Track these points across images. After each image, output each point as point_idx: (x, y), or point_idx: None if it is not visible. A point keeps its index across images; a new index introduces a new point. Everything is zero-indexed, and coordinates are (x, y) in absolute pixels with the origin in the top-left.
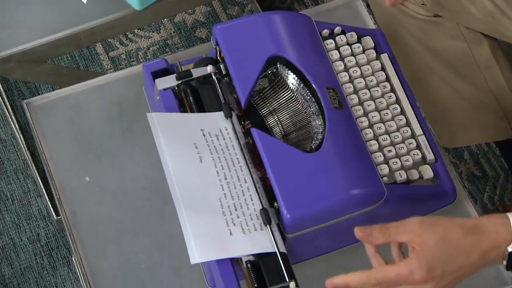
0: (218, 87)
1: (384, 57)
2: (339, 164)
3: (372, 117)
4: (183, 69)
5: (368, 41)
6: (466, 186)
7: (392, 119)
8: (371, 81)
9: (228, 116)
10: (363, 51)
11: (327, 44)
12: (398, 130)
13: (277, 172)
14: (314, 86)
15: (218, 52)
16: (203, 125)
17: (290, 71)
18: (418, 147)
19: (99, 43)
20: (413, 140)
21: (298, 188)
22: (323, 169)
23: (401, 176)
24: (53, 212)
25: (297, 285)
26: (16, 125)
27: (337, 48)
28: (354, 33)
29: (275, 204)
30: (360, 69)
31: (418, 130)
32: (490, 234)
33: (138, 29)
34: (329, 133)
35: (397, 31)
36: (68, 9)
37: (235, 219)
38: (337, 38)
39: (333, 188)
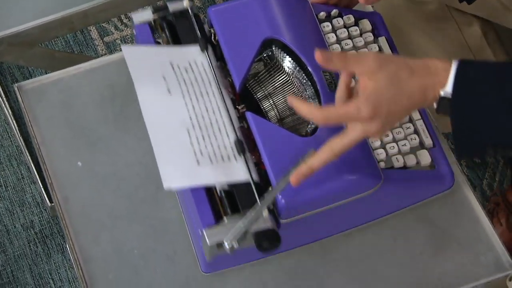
0: (194, 22)
1: (382, 40)
2: None
3: None
4: None
5: (366, 24)
6: (465, 173)
7: None
8: None
9: (204, 48)
10: (361, 34)
11: (324, 27)
12: None
13: (272, 156)
14: (310, 69)
15: (212, 35)
16: (173, 58)
17: (285, 54)
18: (416, 132)
19: (94, 28)
20: (410, 125)
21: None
22: None
23: (398, 161)
24: (47, 199)
25: (270, 210)
26: (9, 110)
27: (334, 31)
28: (351, 16)
29: (270, 188)
30: (357, 52)
31: (416, 114)
32: (432, 76)
33: None
34: None
35: (392, 14)
36: None
37: (203, 149)
38: (334, 20)
39: (328, 173)
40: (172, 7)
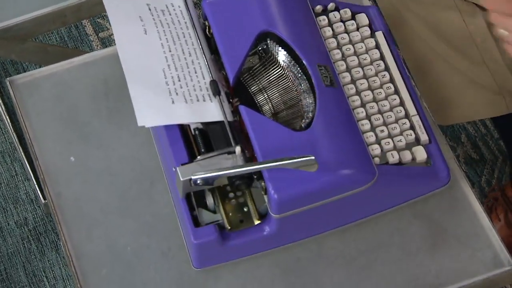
0: None
1: (379, 35)
2: (329, 144)
3: (365, 96)
4: None
5: (363, 18)
6: (464, 170)
7: (386, 98)
8: (364, 59)
9: None
10: (357, 29)
11: (320, 21)
12: (391, 109)
13: (265, 150)
14: (305, 63)
15: (207, 28)
16: (150, 0)
17: (280, 47)
18: (412, 127)
19: (89, 23)
20: (406, 120)
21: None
22: (313, 148)
23: (393, 156)
24: (40, 196)
25: (242, 150)
26: (3, 106)
27: (330, 25)
28: (348, 10)
29: (263, 183)
30: (353, 46)
31: (412, 110)
32: None
33: None
34: (320, 112)
35: (393, 4)
36: None
37: (178, 89)
38: (331, 14)
39: (322, 168)
40: None
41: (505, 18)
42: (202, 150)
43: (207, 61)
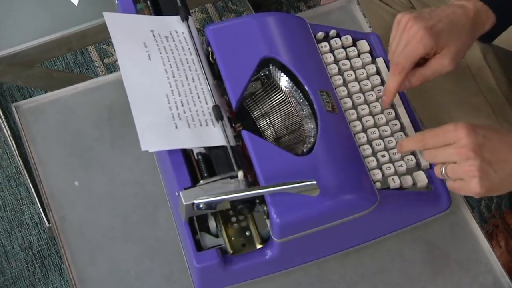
0: None
1: (379, 61)
2: (331, 168)
3: (366, 121)
4: None
5: (364, 44)
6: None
7: (387, 123)
8: (365, 85)
9: (185, 19)
10: (358, 55)
11: (322, 47)
12: (392, 135)
13: (267, 175)
14: (307, 89)
15: (210, 54)
16: (154, 27)
17: (283, 73)
18: (413, 152)
19: (94, 49)
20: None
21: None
22: (315, 173)
23: (394, 181)
24: (45, 219)
25: (245, 174)
26: (8, 131)
27: (332, 51)
28: (349, 36)
29: (265, 207)
30: (354, 72)
31: (413, 135)
32: None
33: None
34: (321, 137)
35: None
36: (59, 11)
37: (181, 114)
38: (332, 41)
39: (324, 193)
40: None
41: (433, 152)
42: (205, 175)
43: (210, 87)
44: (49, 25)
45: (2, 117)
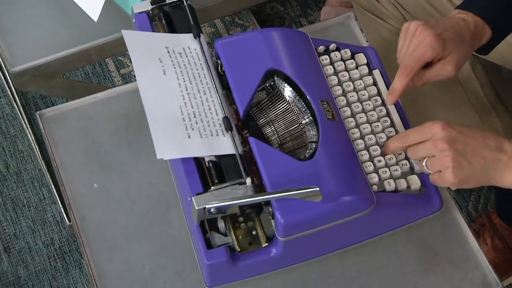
0: (188, 12)
1: (376, 73)
2: (331, 172)
3: (364, 128)
4: None
5: (361, 57)
6: (452, 195)
7: (383, 131)
8: (363, 95)
9: (197, 36)
10: (356, 67)
11: (322, 60)
12: None
13: (272, 179)
14: (309, 99)
15: (219, 66)
16: (168, 43)
17: (286, 84)
18: (407, 158)
19: (111, 61)
20: (402, 152)
21: None
22: (316, 177)
23: (390, 185)
24: (66, 218)
25: (253, 181)
26: (33, 136)
27: (332, 63)
28: (348, 50)
29: (270, 209)
30: (353, 83)
31: None
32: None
33: None
34: (322, 143)
35: (387, 49)
36: (79, 26)
37: (193, 125)
38: (332, 54)
39: (325, 195)
40: None
41: (414, 148)
42: (216, 181)
43: (220, 99)
44: (70, 39)
45: (27, 124)
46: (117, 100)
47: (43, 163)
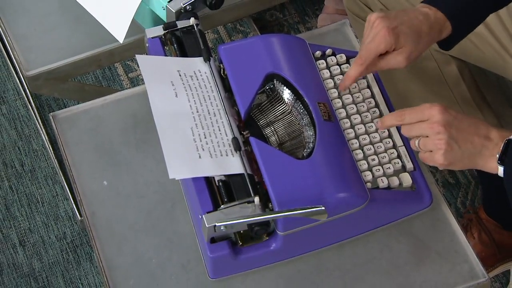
0: (199, 37)
1: (370, 76)
2: (328, 170)
3: (358, 129)
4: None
5: None
6: (441, 192)
7: (376, 131)
8: (357, 97)
9: (207, 59)
10: None
11: (319, 64)
12: (381, 141)
13: (272, 176)
14: (306, 101)
15: (222, 70)
16: (180, 67)
17: (285, 87)
18: (399, 156)
19: (120, 65)
20: (394, 150)
21: (291, 191)
22: (313, 175)
23: (383, 182)
24: (77, 213)
25: (260, 199)
26: (46, 136)
27: (328, 67)
28: (343, 55)
29: (270, 204)
30: None
31: (399, 141)
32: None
33: None
34: (319, 143)
35: None
36: (90, 32)
37: (204, 145)
38: (328, 59)
39: (322, 192)
40: (181, 24)
41: (410, 127)
42: (225, 200)
43: (229, 120)
44: (81, 45)
45: (41, 124)
46: (125, 102)
47: (56, 161)
